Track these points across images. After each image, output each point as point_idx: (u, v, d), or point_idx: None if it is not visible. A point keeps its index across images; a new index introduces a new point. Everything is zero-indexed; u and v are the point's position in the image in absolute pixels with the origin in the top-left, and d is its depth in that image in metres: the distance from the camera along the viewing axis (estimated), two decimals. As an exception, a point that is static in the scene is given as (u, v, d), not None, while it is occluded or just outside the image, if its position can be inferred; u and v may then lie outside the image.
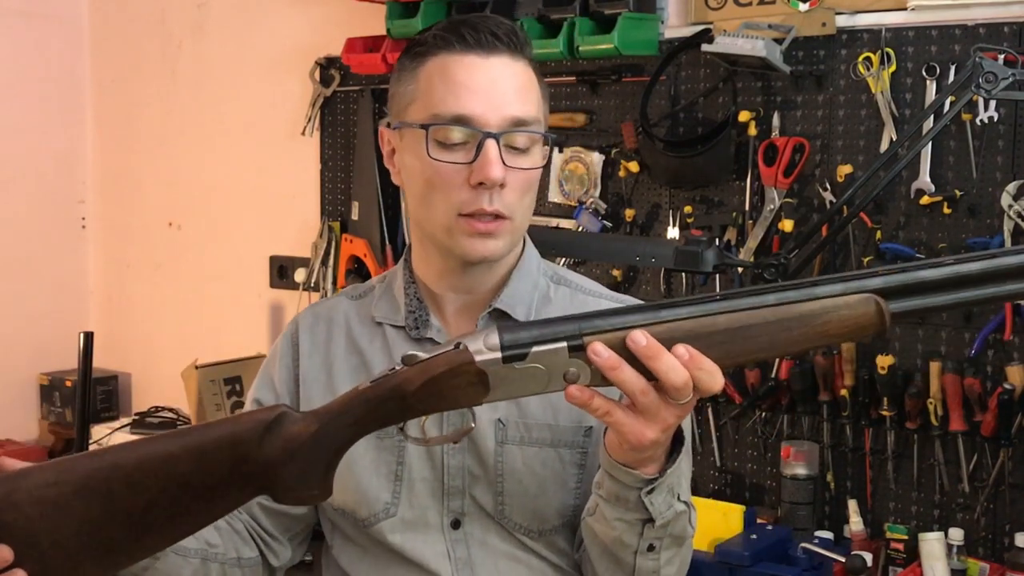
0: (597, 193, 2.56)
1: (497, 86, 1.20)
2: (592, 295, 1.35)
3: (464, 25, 1.21)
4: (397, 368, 1.06)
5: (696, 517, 1.22)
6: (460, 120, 1.19)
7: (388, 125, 1.32)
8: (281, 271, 3.18)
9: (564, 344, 1.01)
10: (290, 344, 1.36)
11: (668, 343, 1.00)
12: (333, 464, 1.08)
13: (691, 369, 0.99)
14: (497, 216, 1.20)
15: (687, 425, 1.15)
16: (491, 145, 1.18)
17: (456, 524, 1.28)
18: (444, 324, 1.30)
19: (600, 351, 1.00)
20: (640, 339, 0.99)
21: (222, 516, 1.13)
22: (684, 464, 1.14)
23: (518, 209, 1.22)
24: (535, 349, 1.01)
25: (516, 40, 1.22)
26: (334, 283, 2.99)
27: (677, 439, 1.11)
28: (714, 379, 1.01)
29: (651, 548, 1.16)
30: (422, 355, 1.05)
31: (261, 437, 1.06)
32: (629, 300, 1.36)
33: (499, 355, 1.02)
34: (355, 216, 2.95)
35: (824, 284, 1.01)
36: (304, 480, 1.07)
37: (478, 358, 1.02)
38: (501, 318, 1.27)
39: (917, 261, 1.03)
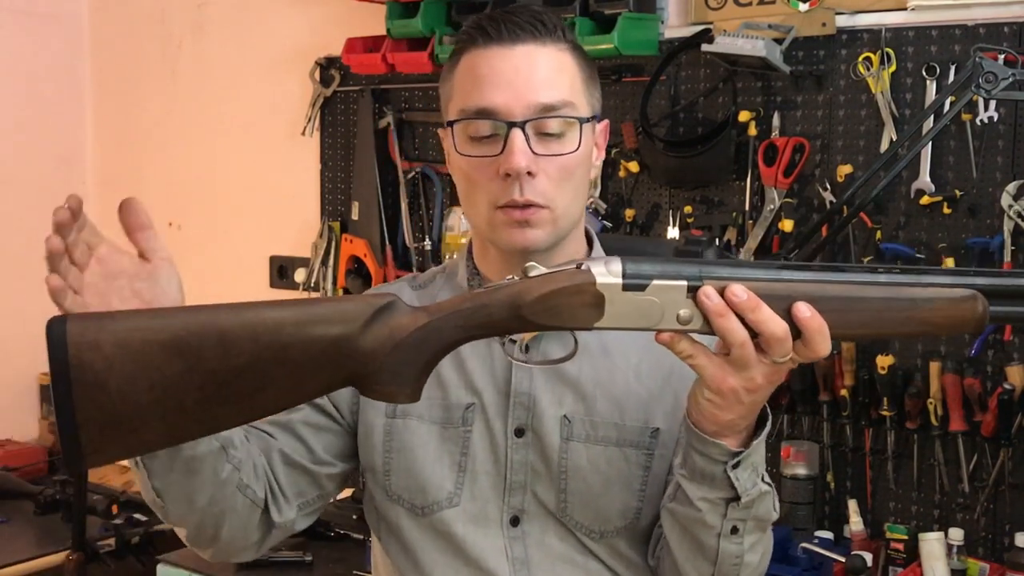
0: (597, 193, 2.56)
1: (520, 75, 1.18)
2: None
3: (487, 19, 1.21)
4: (515, 278, 1.05)
5: (778, 503, 1.19)
6: (484, 113, 1.19)
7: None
8: (281, 271, 3.18)
9: (685, 283, 1.01)
10: None
11: (785, 301, 1.00)
12: (431, 364, 1.05)
13: (810, 329, 1.00)
14: (531, 205, 1.19)
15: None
16: (515, 135, 1.17)
17: (515, 521, 1.26)
18: None
19: (711, 294, 1.00)
20: (740, 292, 1.00)
21: (305, 400, 1.07)
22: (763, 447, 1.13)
23: (557, 197, 1.20)
24: (656, 283, 1.01)
25: (541, 27, 1.20)
26: (334, 283, 2.99)
27: (760, 419, 1.10)
28: (826, 342, 1.01)
29: (734, 531, 1.13)
30: (542, 268, 1.05)
31: (368, 320, 1.02)
32: None
33: (620, 281, 1.02)
34: (355, 216, 2.95)
35: (932, 274, 1.03)
36: (398, 376, 1.03)
37: (599, 280, 1.02)
38: None
39: (1018, 269, 1.06)
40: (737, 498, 1.11)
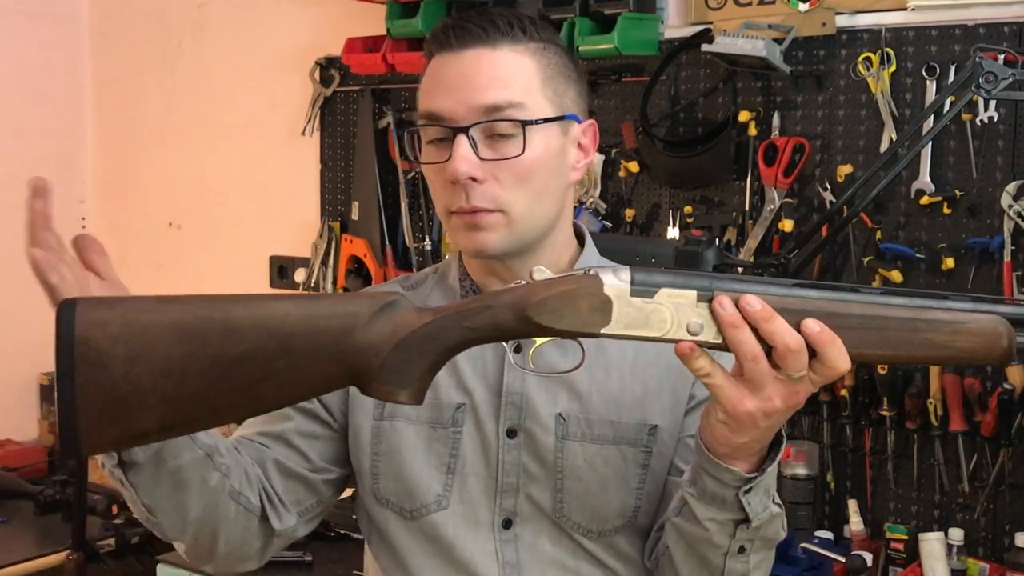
0: (597, 193, 2.56)
1: (466, 79, 1.17)
2: None
3: (441, 27, 1.21)
4: (521, 282, 1.04)
5: (786, 523, 1.16)
6: (431, 117, 1.18)
7: None
8: (281, 271, 3.18)
9: (695, 292, 1.00)
10: None
11: (799, 316, 0.98)
12: (436, 366, 1.04)
13: (822, 343, 0.97)
14: (478, 211, 1.16)
15: None
16: (459, 141, 1.15)
17: (507, 524, 1.24)
18: None
19: (725, 304, 0.98)
20: (755, 303, 0.97)
21: (305, 397, 1.08)
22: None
23: (512, 200, 1.16)
24: (665, 290, 1.00)
25: (493, 29, 1.18)
26: (334, 283, 2.99)
27: (775, 441, 1.08)
28: (842, 357, 0.98)
29: (742, 550, 1.11)
30: (549, 272, 1.04)
31: (373, 316, 1.02)
32: None
33: (628, 287, 1.01)
34: (355, 216, 2.95)
35: (955, 299, 1.00)
36: (399, 374, 1.02)
37: (607, 284, 1.01)
38: None
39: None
40: (747, 520, 1.09)
